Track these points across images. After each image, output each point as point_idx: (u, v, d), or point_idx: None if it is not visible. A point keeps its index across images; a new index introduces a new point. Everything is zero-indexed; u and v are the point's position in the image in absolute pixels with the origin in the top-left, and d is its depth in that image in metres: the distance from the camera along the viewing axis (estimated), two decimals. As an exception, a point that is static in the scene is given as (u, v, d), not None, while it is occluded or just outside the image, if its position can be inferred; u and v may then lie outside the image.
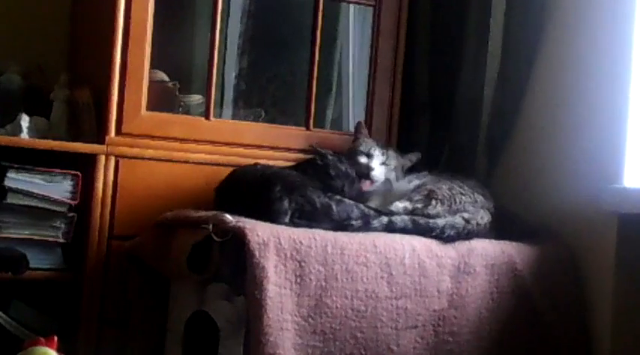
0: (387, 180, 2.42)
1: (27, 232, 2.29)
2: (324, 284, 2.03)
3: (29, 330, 2.27)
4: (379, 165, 2.41)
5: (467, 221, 2.25)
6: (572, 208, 2.35)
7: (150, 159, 2.40)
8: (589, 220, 2.31)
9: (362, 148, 2.43)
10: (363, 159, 2.41)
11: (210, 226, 2.04)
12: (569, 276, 2.32)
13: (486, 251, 2.22)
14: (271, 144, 2.53)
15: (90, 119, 2.41)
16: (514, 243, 2.29)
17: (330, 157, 2.32)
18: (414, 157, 2.47)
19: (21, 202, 2.28)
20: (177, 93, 2.60)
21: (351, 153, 2.43)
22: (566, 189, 2.38)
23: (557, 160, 2.43)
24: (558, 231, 2.38)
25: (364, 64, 2.73)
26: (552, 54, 2.50)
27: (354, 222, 2.18)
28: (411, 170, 2.49)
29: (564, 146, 2.42)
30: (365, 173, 2.37)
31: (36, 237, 2.30)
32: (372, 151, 2.42)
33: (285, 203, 2.15)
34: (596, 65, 2.36)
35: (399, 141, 2.66)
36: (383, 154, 2.43)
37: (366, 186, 2.36)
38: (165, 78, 2.60)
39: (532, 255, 2.28)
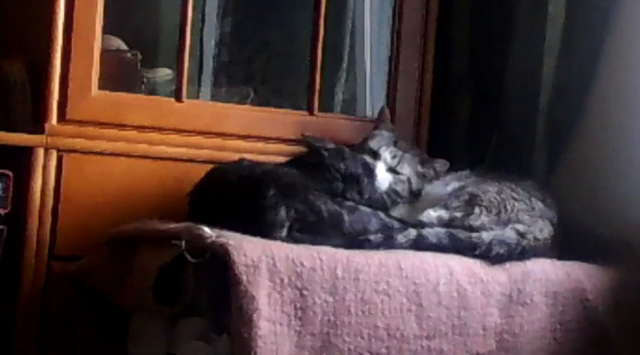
0: (397, 196, 2.39)
1: (-59, 251, 2.30)
2: (332, 319, 2.03)
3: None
4: (385, 170, 2.39)
5: (521, 235, 2.25)
6: (661, 218, 2.35)
7: (103, 153, 2.41)
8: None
9: (371, 144, 2.42)
10: (367, 159, 2.39)
11: (183, 243, 2.03)
12: (657, 308, 2.32)
13: (547, 274, 2.22)
14: (262, 133, 2.54)
15: (24, 101, 2.41)
16: (583, 264, 2.29)
17: (324, 153, 2.31)
18: (439, 165, 2.44)
19: None
20: (138, 66, 2.62)
21: (359, 148, 2.43)
22: (653, 194, 2.38)
23: (641, 155, 2.44)
24: (642, 249, 2.38)
25: (385, 28, 2.74)
26: (634, 16, 2.50)
27: (372, 237, 2.18)
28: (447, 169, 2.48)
29: (650, 137, 2.43)
30: (364, 178, 2.35)
31: (-47, 258, 2.30)
32: (380, 150, 2.40)
33: (282, 212, 2.15)
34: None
35: (430, 130, 2.68)
36: (394, 157, 2.41)
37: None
38: (124, 46, 2.61)
39: (607, 279, 2.28)
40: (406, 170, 2.41)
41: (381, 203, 2.34)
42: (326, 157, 2.31)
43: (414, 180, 2.41)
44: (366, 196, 2.31)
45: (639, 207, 2.40)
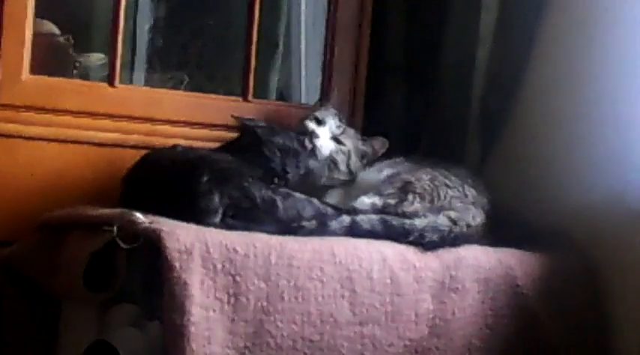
0: (337, 170, 2.41)
1: None
2: (265, 305, 2.02)
3: None
4: (329, 138, 2.41)
5: (454, 222, 2.26)
6: (590, 206, 2.36)
7: (34, 138, 2.39)
8: (612, 222, 2.32)
9: (316, 113, 2.45)
10: (310, 124, 2.42)
11: (115, 228, 2.02)
12: (585, 294, 2.34)
13: (479, 261, 2.23)
14: (197, 119, 2.54)
15: (-47, 85, 2.38)
16: (515, 251, 2.30)
17: (258, 130, 2.31)
18: (378, 144, 2.47)
19: None
20: (71, 51, 2.62)
21: (300, 121, 2.44)
22: (583, 182, 2.40)
23: (572, 144, 2.45)
24: (572, 236, 2.40)
25: (320, 14, 2.76)
26: (568, 5, 2.52)
27: (306, 223, 2.18)
28: (381, 156, 2.49)
29: (581, 126, 2.44)
30: (306, 142, 2.37)
31: None
32: (326, 119, 2.42)
33: (216, 198, 2.15)
34: (630, 16, 2.36)
35: (365, 117, 2.69)
36: (339, 127, 2.44)
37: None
38: (56, 30, 2.62)
39: (538, 266, 2.30)
40: (348, 143, 2.44)
41: (320, 172, 2.35)
42: (260, 134, 2.31)
43: (353, 156, 2.43)
44: (303, 171, 2.32)
45: (570, 195, 2.42)
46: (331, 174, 2.41)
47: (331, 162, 2.41)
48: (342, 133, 2.44)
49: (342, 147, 2.43)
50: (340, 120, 2.47)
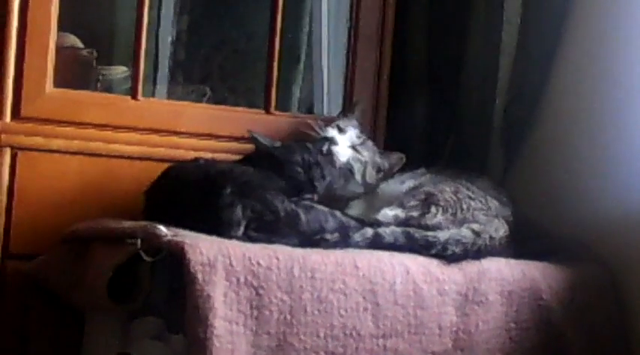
0: (352, 179, 2.42)
1: None
2: (288, 318, 2.03)
3: None
4: (347, 145, 2.43)
5: (477, 234, 2.27)
6: (613, 218, 2.36)
7: (58, 151, 2.41)
8: (636, 234, 2.32)
9: (339, 122, 2.47)
10: (331, 131, 2.44)
11: (138, 241, 2.04)
12: (609, 306, 2.34)
13: (502, 274, 2.23)
14: (219, 131, 2.55)
15: (-23, 98, 2.39)
16: (538, 264, 2.30)
17: (275, 152, 2.32)
18: (394, 159, 2.48)
19: None
20: (94, 64, 2.62)
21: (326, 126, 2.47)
22: (608, 193, 2.40)
23: (596, 155, 2.46)
24: (596, 248, 2.40)
25: (343, 27, 2.75)
26: (589, 15, 2.52)
27: (328, 236, 2.19)
28: (403, 167, 2.49)
29: (605, 136, 2.44)
30: (324, 147, 2.39)
31: None
32: (347, 128, 2.45)
33: (238, 210, 2.15)
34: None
35: (388, 129, 2.69)
36: (359, 138, 2.45)
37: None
38: (79, 44, 2.62)
39: (562, 278, 2.30)
40: (366, 154, 2.45)
41: (336, 180, 2.36)
42: (278, 155, 2.32)
43: (369, 167, 2.44)
44: (329, 178, 2.32)
45: (593, 206, 2.42)
46: (346, 183, 2.41)
47: (348, 170, 2.42)
48: (362, 144, 2.46)
49: (360, 157, 2.44)
50: (361, 131, 2.49)
